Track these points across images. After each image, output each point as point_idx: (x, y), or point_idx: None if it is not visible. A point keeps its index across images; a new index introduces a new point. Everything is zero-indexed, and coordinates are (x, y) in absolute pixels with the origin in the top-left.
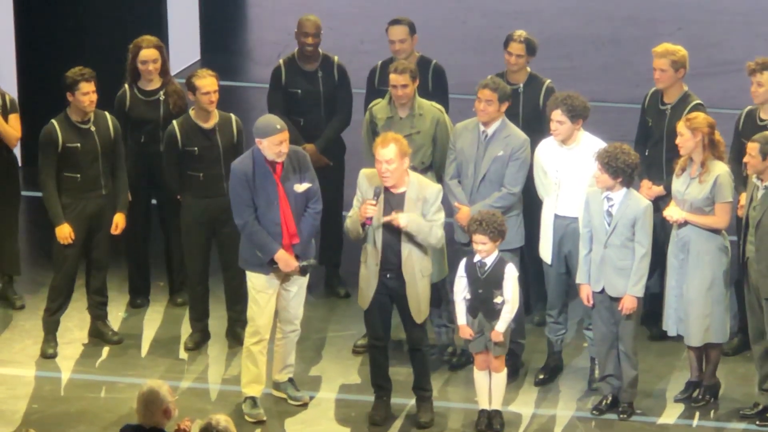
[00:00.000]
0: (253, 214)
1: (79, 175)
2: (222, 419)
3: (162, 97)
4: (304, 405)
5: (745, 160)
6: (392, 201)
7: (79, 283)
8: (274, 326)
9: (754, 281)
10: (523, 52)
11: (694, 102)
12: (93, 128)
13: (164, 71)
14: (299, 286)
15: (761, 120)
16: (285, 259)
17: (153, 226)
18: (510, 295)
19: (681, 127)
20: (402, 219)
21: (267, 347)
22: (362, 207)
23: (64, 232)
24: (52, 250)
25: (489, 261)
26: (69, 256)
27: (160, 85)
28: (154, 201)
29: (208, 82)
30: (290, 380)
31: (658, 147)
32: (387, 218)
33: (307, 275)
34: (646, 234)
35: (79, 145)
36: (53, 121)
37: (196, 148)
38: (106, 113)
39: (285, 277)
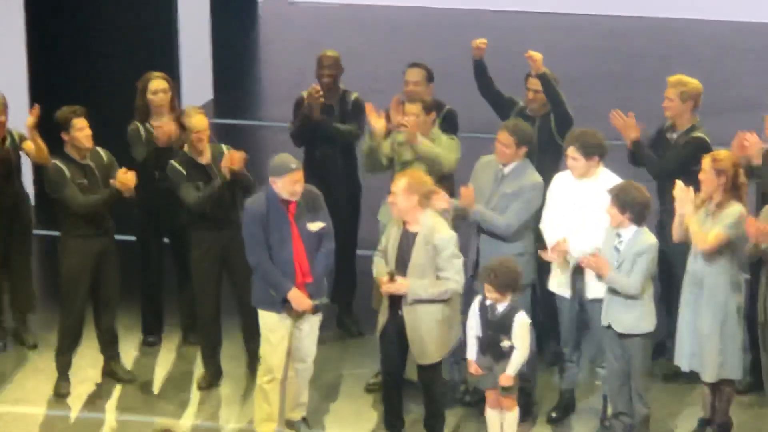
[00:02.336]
0: (266, 253)
1: (89, 214)
2: None
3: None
4: None
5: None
6: (405, 239)
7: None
8: (286, 365)
9: None
10: (540, 87)
11: (694, 134)
12: (92, 164)
13: (173, 107)
14: (312, 324)
15: None
16: (298, 298)
17: (166, 264)
18: (519, 343)
19: (706, 164)
20: (402, 288)
21: (280, 386)
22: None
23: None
24: (59, 290)
25: (500, 307)
26: (77, 295)
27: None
28: (166, 240)
29: (197, 121)
30: (303, 419)
31: (655, 176)
32: (390, 288)
33: (320, 313)
34: (639, 270)
35: (86, 181)
36: (55, 161)
37: (200, 183)
38: (98, 149)
39: (298, 316)
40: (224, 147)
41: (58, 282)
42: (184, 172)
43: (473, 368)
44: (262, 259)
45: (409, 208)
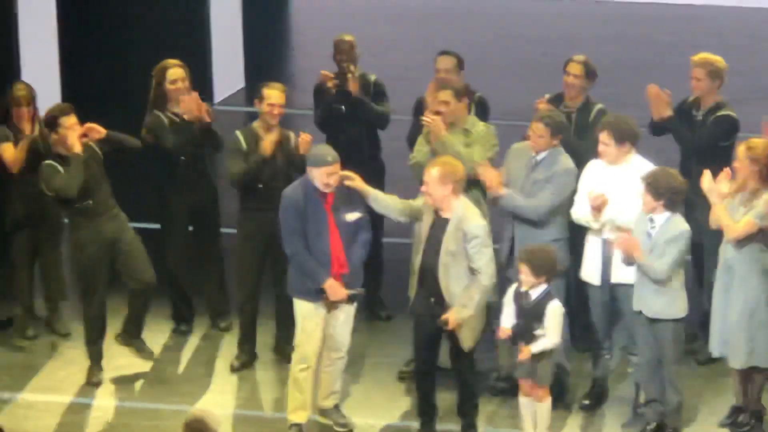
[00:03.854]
0: (302, 243)
1: (90, 201)
2: None
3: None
4: (350, 431)
5: None
6: (438, 225)
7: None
8: (320, 354)
9: None
10: (581, 73)
11: (723, 112)
12: (85, 155)
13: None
14: (347, 313)
15: None
16: (334, 288)
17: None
18: (551, 332)
19: (740, 153)
20: (453, 321)
21: (313, 375)
22: None
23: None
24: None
25: (534, 294)
26: (96, 286)
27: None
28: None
29: (275, 94)
30: (336, 407)
31: (685, 154)
32: (452, 327)
33: (355, 303)
34: (670, 256)
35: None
36: (47, 162)
37: (256, 157)
38: (90, 143)
39: (333, 305)
40: (291, 133)
41: (76, 273)
42: (245, 145)
43: (505, 333)
44: (298, 249)
45: (443, 196)
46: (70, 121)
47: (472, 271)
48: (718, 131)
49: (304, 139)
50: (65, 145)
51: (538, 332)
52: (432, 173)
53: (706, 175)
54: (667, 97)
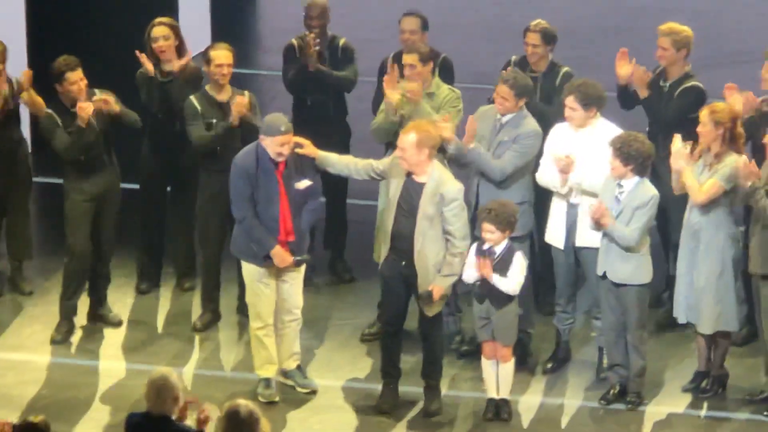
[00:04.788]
0: (252, 209)
1: (82, 157)
2: (246, 403)
3: (173, 78)
4: (313, 392)
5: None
6: (411, 188)
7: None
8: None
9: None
10: (539, 42)
11: (689, 83)
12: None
13: (179, 50)
14: (294, 278)
15: None
16: (281, 255)
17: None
18: (512, 279)
19: (704, 116)
20: (438, 294)
21: (272, 331)
22: None
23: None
24: (64, 234)
25: (498, 249)
26: (80, 238)
27: (178, 67)
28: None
29: (221, 54)
30: (298, 367)
31: (654, 125)
32: (425, 295)
33: (302, 267)
34: (639, 221)
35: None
36: (48, 111)
37: (213, 120)
38: (95, 90)
39: (279, 270)
40: (246, 92)
41: (63, 226)
42: (200, 109)
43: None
44: (247, 215)
45: (420, 161)
46: (76, 75)
47: (447, 234)
48: (685, 103)
49: (238, 102)
50: (71, 101)
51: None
52: (408, 139)
53: (676, 138)
54: (647, 77)
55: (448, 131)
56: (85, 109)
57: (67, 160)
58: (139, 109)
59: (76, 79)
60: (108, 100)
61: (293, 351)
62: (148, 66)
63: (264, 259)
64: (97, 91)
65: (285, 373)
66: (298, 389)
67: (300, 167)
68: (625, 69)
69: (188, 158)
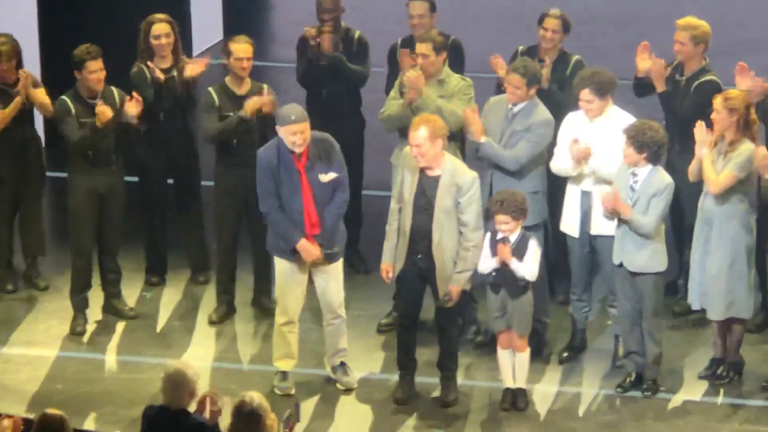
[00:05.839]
0: (276, 203)
1: (90, 152)
2: (255, 396)
3: (176, 74)
4: (350, 390)
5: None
6: (426, 184)
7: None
8: (304, 309)
9: None
10: (559, 28)
11: (706, 78)
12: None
13: (176, 49)
14: (330, 273)
15: None
16: (307, 248)
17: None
18: (530, 265)
19: (718, 104)
20: (456, 292)
21: (297, 328)
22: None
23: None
24: (68, 231)
25: (512, 238)
26: (84, 234)
27: (172, 64)
28: (170, 180)
29: (242, 48)
30: (342, 364)
31: (669, 118)
32: (445, 298)
33: (339, 262)
34: (656, 209)
35: (92, 120)
36: (64, 97)
37: (231, 114)
38: (113, 88)
39: (311, 265)
40: (265, 86)
41: (67, 221)
42: (217, 101)
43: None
44: (271, 209)
45: (435, 154)
46: (97, 65)
47: (460, 224)
48: (702, 99)
49: (264, 100)
50: (89, 90)
51: (520, 277)
52: (420, 134)
53: (699, 125)
54: (665, 72)
55: (478, 124)
56: (105, 113)
57: (74, 152)
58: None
59: (97, 68)
60: (134, 104)
61: (337, 348)
62: (159, 75)
63: (293, 254)
64: (114, 89)
65: (332, 368)
66: (338, 385)
67: (326, 160)
68: (644, 63)
69: (190, 152)
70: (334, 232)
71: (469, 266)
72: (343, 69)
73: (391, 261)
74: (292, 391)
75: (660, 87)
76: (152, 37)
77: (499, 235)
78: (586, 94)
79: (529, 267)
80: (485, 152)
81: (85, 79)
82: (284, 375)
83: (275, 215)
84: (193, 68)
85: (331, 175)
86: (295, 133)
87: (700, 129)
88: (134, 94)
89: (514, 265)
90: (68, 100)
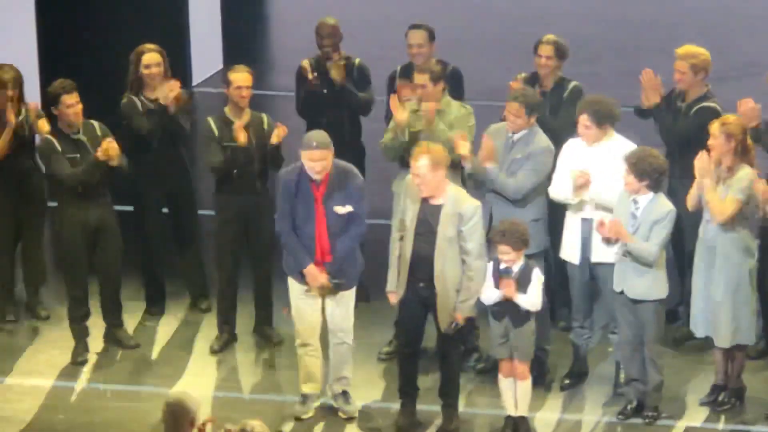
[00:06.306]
0: (290, 225)
1: (80, 188)
2: (257, 425)
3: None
4: (351, 419)
5: None
6: (428, 212)
7: None
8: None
9: None
10: (552, 54)
11: (706, 104)
12: (84, 138)
13: (167, 78)
14: (338, 299)
15: None
16: (313, 274)
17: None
18: (533, 296)
19: (715, 129)
20: (461, 320)
21: (316, 351)
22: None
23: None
24: (61, 262)
25: (515, 268)
26: (78, 266)
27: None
28: (165, 209)
29: (241, 77)
30: (343, 393)
31: (669, 145)
32: (449, 325)
33: (351, 290)
34: (659, 237)
35: (78, 155)
36: (47, 136)
37: (231, 143)
38: (93, 121)
39: (321, 292)
40: (264, 116)
41: (59, 254)
42: (217, 132)
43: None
44: (284, 230)
45: (438, 183)
46: (72, 98)
47: (463, 253)
48: (699, 123)
49: (278, 133)
50: (69, 125)
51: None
52: (422, 163)
53: (701, 155)
54: (658, 84)
55: (465, 149)
56: (112, 149)
57: (67, 187)
58: (124, 131)
59: (72, 101)
60: (112, 156)
61: (340, 375)
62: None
63: (302, 277)
64: (95, 123)
65: (333, 396)
66: (340, 414)
67: (346, 192)
68: (652, 99)
69: (184, 179)
70: (345, 262)
71: (472, 294)
72: (351, 98)
73: (395, 289)
74: (305, 416)
75: (654, 99)
76: (143, 66)
77: (503, 266)
78: (584, 119)
79: (532, 299)
80: (490, 177)
81: (62, 114)
82: (304, 398)
83: (287, 237)
84: (167, 96)
85: (348, 208)
86: (314, 160)
87: (701, 159)
88: (107, 140)
89: (519, 299)
90: (53, 139)
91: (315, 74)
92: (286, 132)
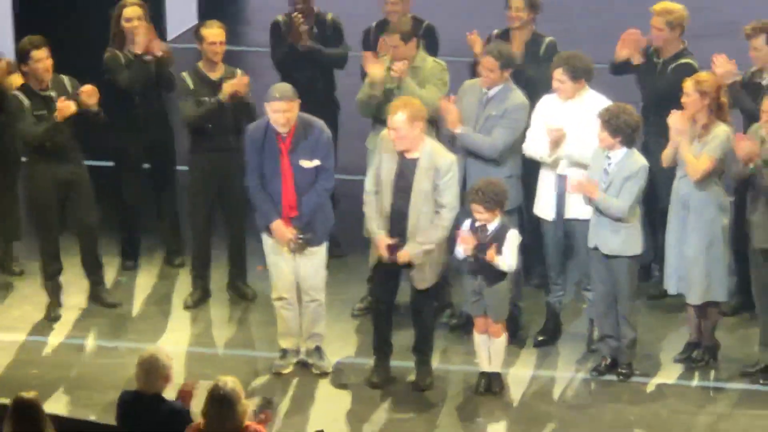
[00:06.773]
0: (258, 179)
1: (47, 144)
2: (229, 381)
3: (150, 58)
4: (324, 373)
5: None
6: (404, 166)
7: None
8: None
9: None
10: (523, 5)
11: (683, 61)
12: (53, 93)
13: (150, 31)
14: (308, 256)
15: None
16: (280, 230)
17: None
18: (508, 257)
19: (688, 87)
20: (404, 257)
21: (292, 305)
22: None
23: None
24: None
25: (491, 227)
26: (49, 222)
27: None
28: (146, 165)
29: (214, 32)
30: (317, 348)
31: (646, 101)
32: (394, 260)
33: (322, 246)
34: (630, 192)
35: (45, 112)
36: (15, 92)
37: (206, 99)
38: (62, 76)
39: (291, 248)
40: (238, 70)
41: (30, 210)
42: (192, 86)
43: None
44: (252, 185)
45: (414, 137)
46: (41, 53)
47: (438, 206)
48: (677, 80)
49: (233, 83)
50: (39, 82)
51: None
52: (399, 118)
53: (674, 113)
54: (644, 44)
55: (453, 114)
56: (67, 110)
57: (31, 146)
58: (107, 87)
59: (42, 56)
60: (90, 93)
61: (312, 332)
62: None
63: (270, 232)
64: (64, 77)
65: (306, 352)
66: (313, 369)
67: (312, 146)
68: (625, 52)
69: (165, 134)
70: (313, 217)
71: (429, 240)
72: (319, 57)
73: (383, 233)
74: (285, 371)
75: (636, 60)
76: (124, 19)
77: (477, 224)
78: (559, 73)
79: (508, 260)
80: (462, 142)
81: (32, 70)
82: (284, 353)
83: (255, 192)
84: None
85: (315, 162)
86: (277, 111)
87: (675, 117)
88: (87, 86)
89: (496, 260)
90: (20, 96)
91: (306, 27)
92: (245, 81)
